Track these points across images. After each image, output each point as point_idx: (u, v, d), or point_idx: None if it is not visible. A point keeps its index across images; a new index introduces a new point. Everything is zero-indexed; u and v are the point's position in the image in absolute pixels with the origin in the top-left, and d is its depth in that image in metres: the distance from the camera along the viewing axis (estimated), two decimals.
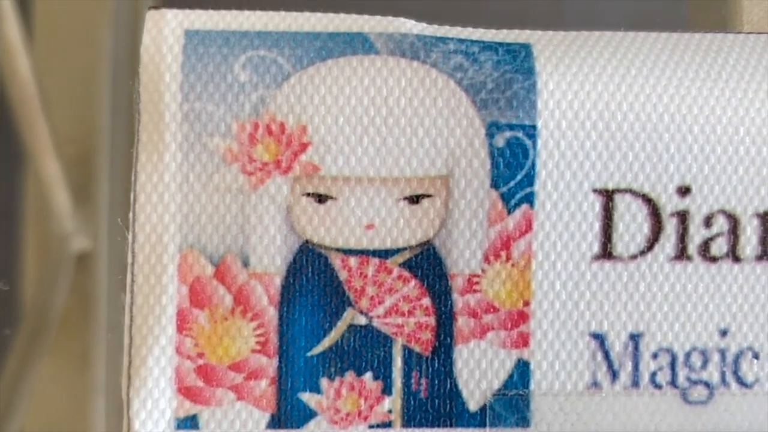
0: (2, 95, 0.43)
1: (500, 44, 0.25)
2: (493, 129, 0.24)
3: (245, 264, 0.24)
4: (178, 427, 0.24)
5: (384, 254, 0.25)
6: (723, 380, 0.25)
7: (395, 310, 0.25)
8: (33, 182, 0.51)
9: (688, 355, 0.25)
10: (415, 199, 0.24)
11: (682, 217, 0.25)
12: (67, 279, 0.50)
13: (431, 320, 0.25)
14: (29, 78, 0.43)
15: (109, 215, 0.52)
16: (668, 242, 0.25)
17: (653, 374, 0.25)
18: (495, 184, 0.24)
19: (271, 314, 0.24)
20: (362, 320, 0.24)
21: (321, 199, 0.24)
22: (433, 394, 0.25)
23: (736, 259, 0.25)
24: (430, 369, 0.25)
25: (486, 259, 0.25)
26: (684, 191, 0.25)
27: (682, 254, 0.25)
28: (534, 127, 0.24)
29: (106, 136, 0.52)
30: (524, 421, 0.25)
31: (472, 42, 0.25)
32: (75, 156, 0.51)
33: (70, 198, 0.50)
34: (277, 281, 0.24)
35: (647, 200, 0.25)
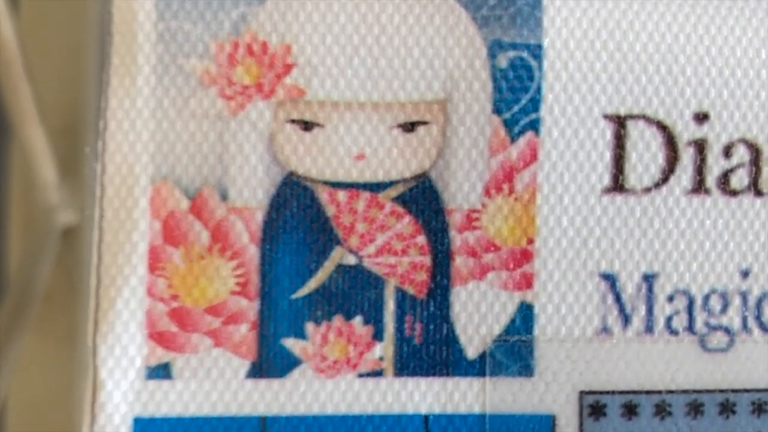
0: None
1: None
2: (495, 48, 0.23)
3: (224, 198, 0.23)
4: (149, 376, 0.22)
5: (376, 188, 0.23)
6: (744, 326, 0.24)
7: (388, 248, 0.23)
8: (18, 154, 0.51)
9: (706, 298, 0.24)
10: (409, 127, 0.23)
11: (700, 146, 0.23)
12: (53, 252, 0.50)
13: (426, 260, 0.23)
14: (12, 41, 0.42)
15: (94, 189, 0.52)
16: (685, 174, 0.23)
17: (669, 319, 0.23)
18: (497, 110, 0.23)
19: (252, 253, 0.23)
20: (352, 260, 0.23)
21: (307, 126, 0.23)
22: (428, 340, 0.23)
23: (758, 192, 0.24)
24: (425, 313, 0.23)
25: (487, 192, 0.23)
26: (702, 118, 0.23)
27: (699, 187, 0.23)
28: (540, 46, 0.23)
29: (92, 110, 0.52)
30: (527, 370, 0.23)
31: None
32: (60, 130, 0.51)
33: (56, 171, 0.49)
34: (259, 216, 0.23)
35: (662, 127, 0.23)
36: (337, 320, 0.23)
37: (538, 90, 0.23)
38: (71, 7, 0.49)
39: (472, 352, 0.23)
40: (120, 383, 0.22)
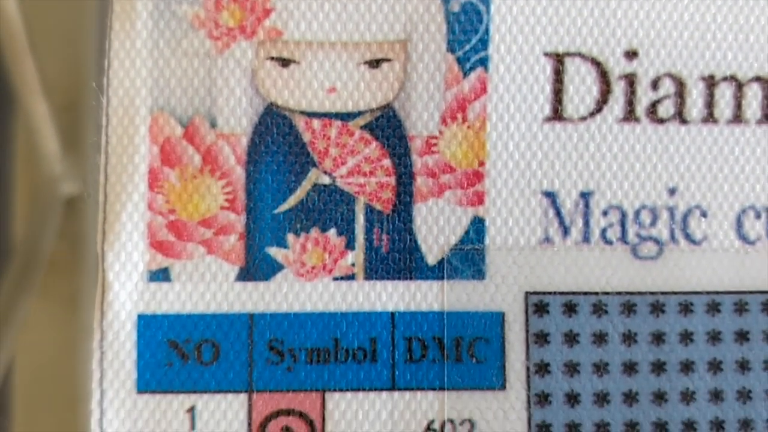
0: None
1: None
2: None
3: (213, 125, 0.25)
4: (151, 279, 0.25)
5: (346, 117, 0.26)
6: (672, 237, 0.26)
7: (357, 170, 0.26)
8: (23, 127, 0.52)
9: (637, 212, 0.26)
10: (375, 63, 0.26)
11: (630, 80, 0.26)
12: (57, 221, 0.51)
13: (391, 180, 0.26)
14: (16, 16, 0.44)
15: (96, 161, 0.53)
16: (617, 104, 0.26)
17: (603, 231, 0.26)
18: (451, 48, 0.26)
19: (239, 173, 0.25)
20: (326, 180, 0.26)
21: (284, 63, 0.25)
22: (394, 249, 0.26)
23: (683, 120, 0.26)
24: (391, 226, 0.26)
25: (443, 121, 0.26)
26: (631, 55, 0.26)
27: (630, 116, 0.26)
28: None
29: (92, 85, 0.53)
30: (480, 274, 0.26)
31: None
32: (62, 105, 0.52)
33: (59, 144, 0.50)
34: (244, 142, 0.25)
35: (596, 63, 0.26)
36: (314, 232, 0.26)
37: (486, 31, 0.26)
38: None
39: (431, 259, 0.26)
40: (125, 285, 0.25)
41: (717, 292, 0.26)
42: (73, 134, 0.53)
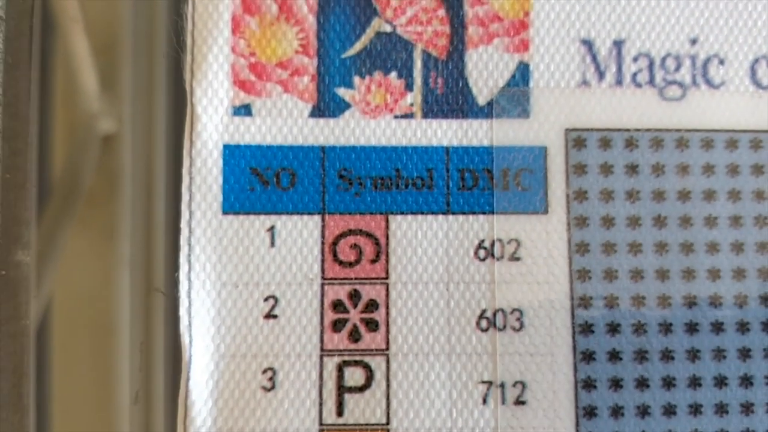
0: None
1: None
2: None
3: None
4: (235, 113, 0.28)
5: None
6: (694, 81, 0.29)
7: (415, 19, 0.29)
8: (62, 64, 0.55)
9: (663, 59, 0.29)
10: None
11: None
12: (95, 156, 0.53)
13: (446, 28, 0.29)
14: None
15: (132, 101, 0.56)
16: None
17: (634, 75, 0.29)
18: None
19: (311, 21, 0.29)
20: (387, 28, 0.29)
21: None
22: (448, 90, 0.29)
23: None
24: (446, 70, 0.29)
25: None
26: None
27: None
28: None
29: (129, 27, 0.56)
30: (525, 113, 0.29)
31: None
32: (101, 45, 0.54)
33: (97, 82, 0.53)
34: None
35: None
36: (377, 74, 0.29)
37: None
38: None
39: (482, 100, 0.29)
40: (212, 117, 0.28)
41: (735, 131, 0.29)
42: (111, 74, 0.56)
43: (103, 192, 0.53)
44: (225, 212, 0.28)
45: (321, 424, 0.27)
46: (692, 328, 0.28)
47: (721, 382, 0.28)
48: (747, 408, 0.28)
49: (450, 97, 0.29)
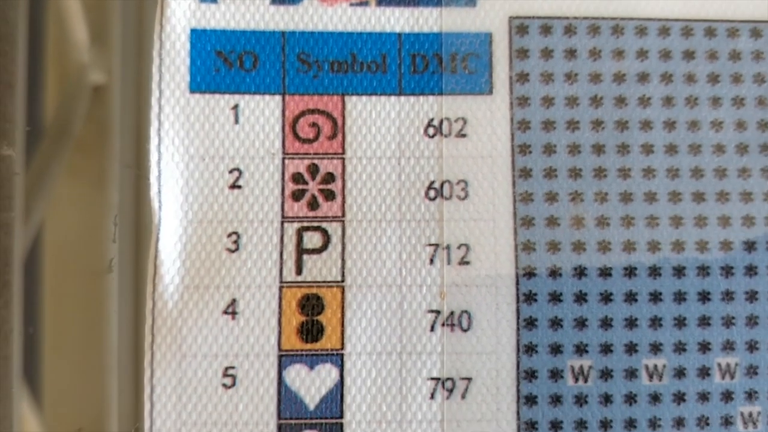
0: None
1: None
2: None
3: None
4: (202, 0, 0.31)
5: None
6: None
7: None
8: (54, 16, 0.57)
9: None
10: None
11: None
12: (85, 106, 0.55)
13: None
14: None
15: (122, 54, 0.58)
16: None
17: None
18: None
19: None
20: None
21: None
22: None
23: None
24: None
25: None
26: None
27: None
28: None
29: None
30: (472, 2, 0.31)
31: None
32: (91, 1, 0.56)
33: (88, 34, 0.55)
34: None
35: None
36: None
37: None
38: None
39: None
40: (180, 3, 0.31)
41: (667, 19, 0.32)
42: (101, 27, 0.57)
43: (92, 141, 0.55)
44: (192, 91, 0.30)
45: (282, 281, 0.30)
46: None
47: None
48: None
49: None
